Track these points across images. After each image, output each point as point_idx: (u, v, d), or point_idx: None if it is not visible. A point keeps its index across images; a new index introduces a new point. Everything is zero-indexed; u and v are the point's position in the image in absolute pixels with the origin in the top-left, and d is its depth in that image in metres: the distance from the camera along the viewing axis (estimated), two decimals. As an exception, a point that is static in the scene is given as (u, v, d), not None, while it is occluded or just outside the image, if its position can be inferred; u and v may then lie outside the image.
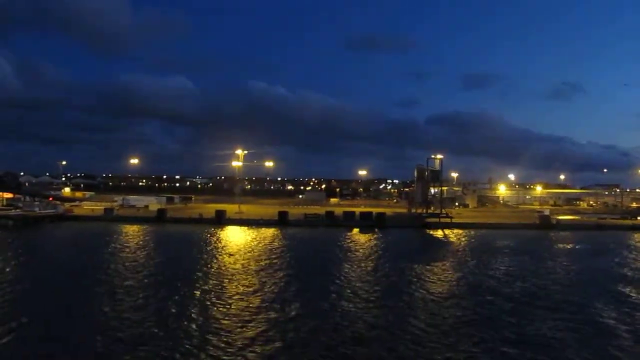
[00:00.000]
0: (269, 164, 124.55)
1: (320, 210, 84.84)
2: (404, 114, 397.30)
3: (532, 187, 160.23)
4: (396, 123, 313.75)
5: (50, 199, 78.49)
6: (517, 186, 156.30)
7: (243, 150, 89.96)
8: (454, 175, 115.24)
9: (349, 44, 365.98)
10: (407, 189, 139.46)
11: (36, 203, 72.56)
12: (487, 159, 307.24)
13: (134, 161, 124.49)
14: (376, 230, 64.56)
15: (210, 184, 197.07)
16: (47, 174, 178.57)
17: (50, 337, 19.21)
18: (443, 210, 73.87)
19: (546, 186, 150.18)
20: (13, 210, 67.97)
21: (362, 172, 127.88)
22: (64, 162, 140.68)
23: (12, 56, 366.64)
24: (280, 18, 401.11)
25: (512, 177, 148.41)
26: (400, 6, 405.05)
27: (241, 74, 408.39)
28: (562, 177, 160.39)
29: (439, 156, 79.69)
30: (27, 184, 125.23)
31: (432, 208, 76.07)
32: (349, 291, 28.19)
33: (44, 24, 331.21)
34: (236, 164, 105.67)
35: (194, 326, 20.80)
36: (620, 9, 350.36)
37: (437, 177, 76.82)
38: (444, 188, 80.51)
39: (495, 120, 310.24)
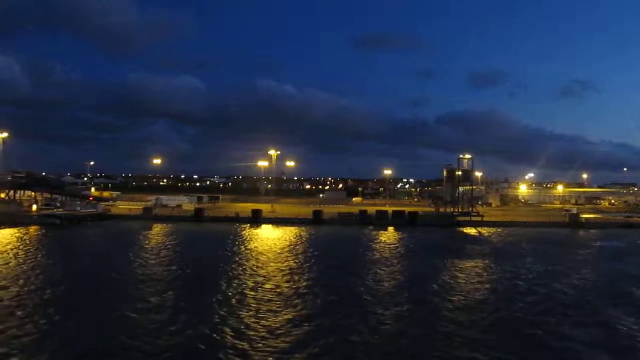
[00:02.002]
0: (290, 164, 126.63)
1: (346, 209, 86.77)
2: (413, 113, 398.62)
3: (549, 186, 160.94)
4: (405, 122, 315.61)
5: (91, 199, 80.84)
6: (533, 185, 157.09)
7: (276, 151, 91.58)
8: (478, 174, 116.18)
9: (358, 42, 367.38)
10: (428, 189, 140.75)
11: (78, 203, 74.81)
12: (499, 158, 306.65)
13: (157, 161, 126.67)
14: (410, 229, 66.10)
15: (230, 184, 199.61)
16: (69, 174, 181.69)
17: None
18: (474, 209, 75.27)
19: (566, 185, 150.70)
20: (56, 210, 70.22)
21: (388, 172, 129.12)
22: (92, 163, 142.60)
23: (20, 56, 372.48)
24: (288, 17, 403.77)
25: (532, 176, 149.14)
26: (409, 5, 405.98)
27: (249, 73, 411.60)
28: (585, 176, 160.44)
29: (468, 156, 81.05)
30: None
31: (459, 207, 77.53)
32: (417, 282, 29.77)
33: (53, 24, 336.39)
34: (262, 163, 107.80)
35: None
36: (632, 9, 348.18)
37: (468, 177, 78.17)
38: (472, 188, 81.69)
39: (506, 119, 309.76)
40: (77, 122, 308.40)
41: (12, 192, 73.52)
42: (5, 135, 79.42)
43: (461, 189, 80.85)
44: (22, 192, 79.01)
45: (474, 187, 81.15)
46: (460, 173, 77.56)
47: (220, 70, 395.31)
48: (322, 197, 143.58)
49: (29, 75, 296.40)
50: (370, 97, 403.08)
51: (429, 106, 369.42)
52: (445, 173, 79.97)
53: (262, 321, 21.37)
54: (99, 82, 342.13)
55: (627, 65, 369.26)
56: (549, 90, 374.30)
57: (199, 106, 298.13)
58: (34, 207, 68.22)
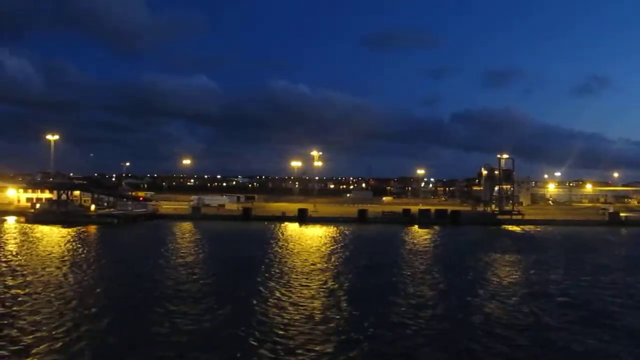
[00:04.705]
0: (318, 163, 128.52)
1: (387, 208, 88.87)
2: (427, 111, 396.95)
3: (572, 184, 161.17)
4: (420, 121, 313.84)
5: (141, 199, 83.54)
6: (557, 184, 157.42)
7: (318, 152, 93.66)
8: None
9: (371, 41, 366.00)
10: (452, 188, 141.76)
11: (129, 203, 77.45)
12: (515, 156, 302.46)
13: (186, 162, 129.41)
14: (455, 227, 67.82)
15: (256, 184, 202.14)
16: (96, 174, 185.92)
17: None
18: (514, 208, 76.86)
19: (594, 184, 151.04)
20: (110, 210, 72.87)
21: (421, 172, 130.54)
22: (127, 163, 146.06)
23: (33, 57, 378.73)
24: (300, 15, 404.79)
25: (558, 174, 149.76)
26: (422, 3, 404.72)
27: (262, 73, 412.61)
28: (615, 175, 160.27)
29: (505, 155, 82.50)
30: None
31: (493, 206, 79.15)
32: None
33: (65, 24, 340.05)
34: (295, 163, 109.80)
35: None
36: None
37: (509, 177, 79.58)
38: (512, 187, 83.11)
39: (522, 117, 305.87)
40: (91, 123, 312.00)
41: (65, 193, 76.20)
42: (56, 137, 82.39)
43: (495, 188, 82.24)
44: (70, 192, 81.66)
45: (509, 186, 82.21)
46: (498, 172, 79.03)
47: (233, 70, 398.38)
48: (349, 196, 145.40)
49: (43, 75, 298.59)
50: (384, 95, 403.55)
51: (444, 104, 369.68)
52: (483, 172, 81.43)
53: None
54: (113, 83, 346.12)
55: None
56: (565, 87, 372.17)
57: (212, 106, 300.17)
58: (92, 207, 70.87)
